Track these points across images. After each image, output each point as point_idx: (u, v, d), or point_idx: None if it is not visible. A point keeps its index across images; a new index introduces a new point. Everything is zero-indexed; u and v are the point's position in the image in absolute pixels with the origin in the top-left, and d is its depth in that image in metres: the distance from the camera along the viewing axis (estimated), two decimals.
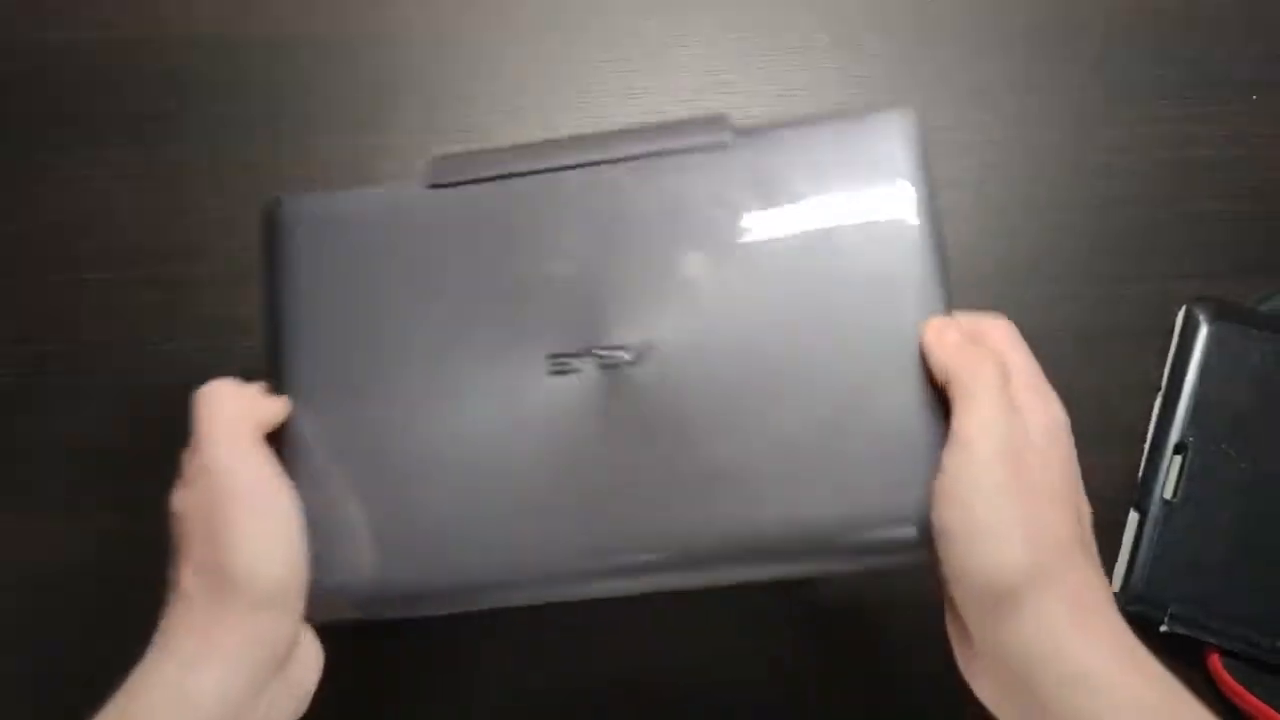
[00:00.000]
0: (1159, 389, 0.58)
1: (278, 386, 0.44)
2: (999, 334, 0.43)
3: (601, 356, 0.41)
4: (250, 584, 0.39)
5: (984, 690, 0.40)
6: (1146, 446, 0.57)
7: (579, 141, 0.44)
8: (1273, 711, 0.54)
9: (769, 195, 0.42)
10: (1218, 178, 0.60)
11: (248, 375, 0.56)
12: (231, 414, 0.42)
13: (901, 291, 0.41)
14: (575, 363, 0.41)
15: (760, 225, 0.42)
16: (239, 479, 0.40)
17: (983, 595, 0.38)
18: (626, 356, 0.41)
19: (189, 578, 0.40)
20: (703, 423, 0.40)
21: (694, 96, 0.60)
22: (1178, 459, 0.56)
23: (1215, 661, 0.55)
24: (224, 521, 0.40)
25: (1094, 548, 0.41)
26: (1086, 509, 0.42)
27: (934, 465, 0.39)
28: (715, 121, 0.43)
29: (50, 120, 0.59)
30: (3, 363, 0.57)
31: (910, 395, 0.40)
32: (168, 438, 0.56)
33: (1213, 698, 0.56)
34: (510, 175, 0.43)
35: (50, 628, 0.56)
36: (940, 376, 0.40)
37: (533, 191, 0.43)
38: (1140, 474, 0.57)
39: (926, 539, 0.39)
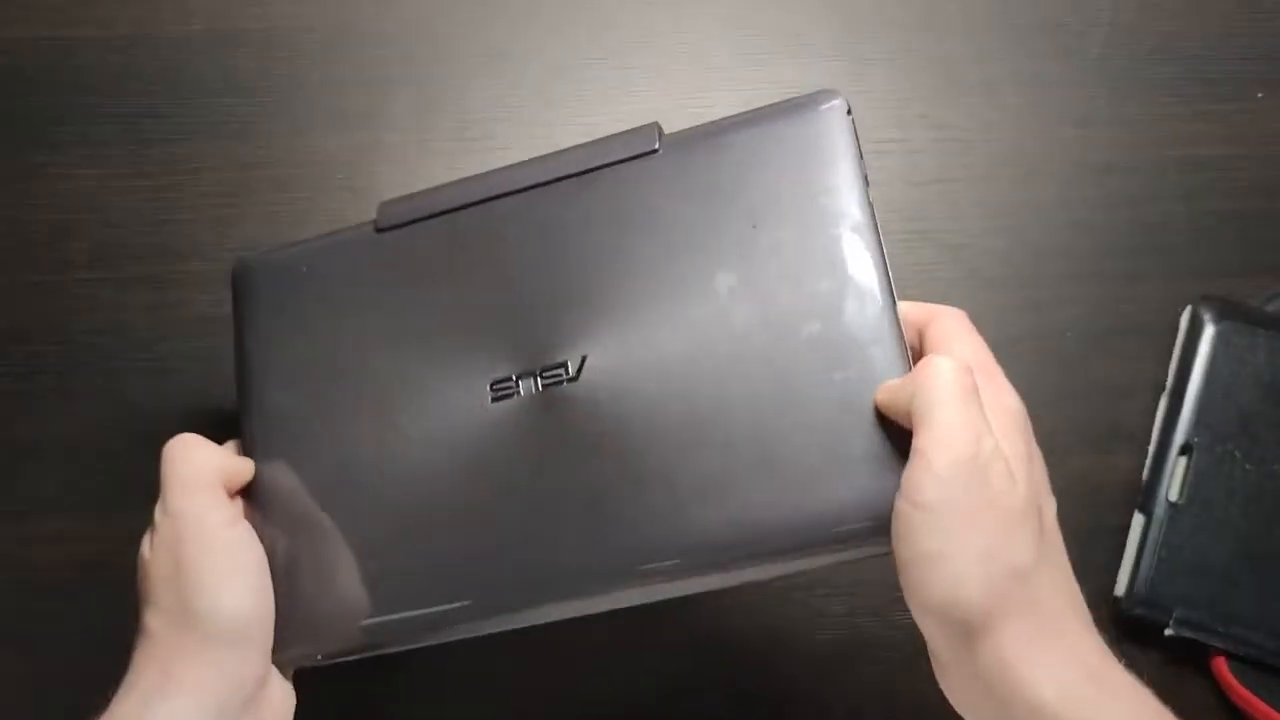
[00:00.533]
0: (1164, 389, 0.57)
1: (246, 441, 0.45)
2: (949, 322, 0.42)
3: (540, 376, 0.41)
4: (211, 618, 0.40)
5: (960, 706, 0.39)
6: (1151, 448, 0.57)
7: (514, 169, 0.44)
8: (1278, 715, 0.53)
9: (702, 199, 0.41)
10: (1223, 176, 0.60)
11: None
12: (196, 464, 0.42)
13: (842, 285, 0.40)
14: (516, 385, 0.41)
15: (694, 230, 0.41)
16: (201, 522, 0.41)
17: (938, 625, 0.37)
18: (565, 374, 0.41)
19: (154, 619, 0.41)
20: (645, 434, 0.40)
21: (693, 95, 0.60)
22: (1183, 460, 0.56)
23: (1221, 665, 0.55)
24: (186, 562, 0.41)
25: (1058, 546, 0.39)
26: (1051, 506, 0.40)
27: (893, 478, 0.37)
28: (643, 130, 0.43)
29: (42, 119, 0.59)
30: None
31: (855, 397, 0.39)
32: (163, 436, 0.56)
33: (1218, 702, 0.56)
34: (449, 210, 0.44)
35: (50, 628, 0.56)
36: (905, 420, 0.38)
37: (472, 223, 0.44)
38: (1145, 475, 0.56)
39: (878, 530, 0.38)
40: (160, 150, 0.58)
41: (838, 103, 0.42)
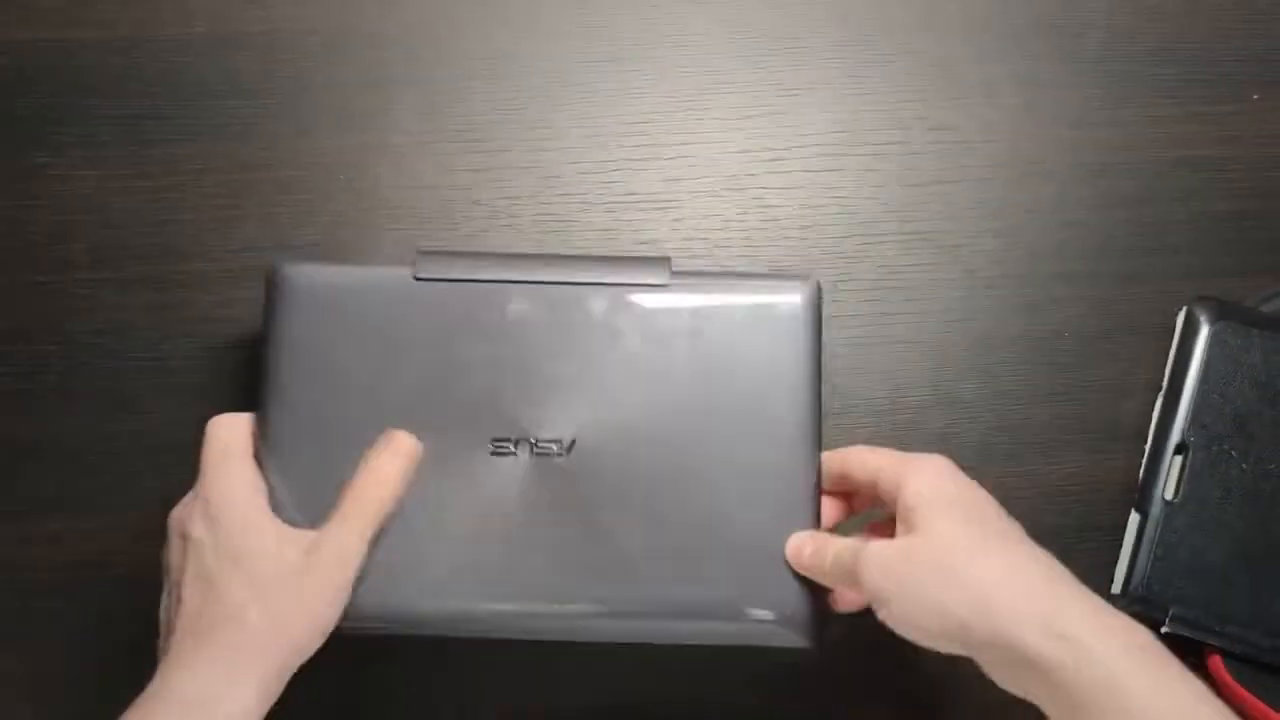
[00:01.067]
0: (1160, 389, 0.57)
1: (261, 432, 0.49)
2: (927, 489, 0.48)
3: (535, 446, 0.49)
4: (312, 647, 0.45)
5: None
6: (1147, 447, 0.57)
7: (546, 262, 0.52)
8: (1274, 713, 0.54)
9: (690, 332, 0.51)
10: (1219, 177, 0.60)
11: (247, 378, 0.56)
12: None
13: (783, 425, 0.50)
14: (514, 448, 0.50)
15: (680, 355, 0.51)
16: (333, 574, 0.46)
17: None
18: (556, 449, 0.50)
19: (253, 610, 0.44)
20: (610, 510, 0.49)
21: (693, 97, 0.60)
22: (1178, 459, 0.56)
23: (1216, 662, 0.55)
24: (311, 598, 0.45)
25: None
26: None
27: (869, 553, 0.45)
28: (656, 264, 0.52)
29: (44, 120, 0.59)
30: None
31: (784, 509, 0.49)
32: (165, 437, 0.57)
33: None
34: (484, 281, 0.51)
35: (50, 628, 0.56)
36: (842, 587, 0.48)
37: (500, 299, 0.51)
38: (1141, 474, 0.57)
39: (796, 630, 0.49)
40: (162, 151, 0.58)
41: (809, 286, 0.52)
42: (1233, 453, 0.56)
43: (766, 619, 0.49)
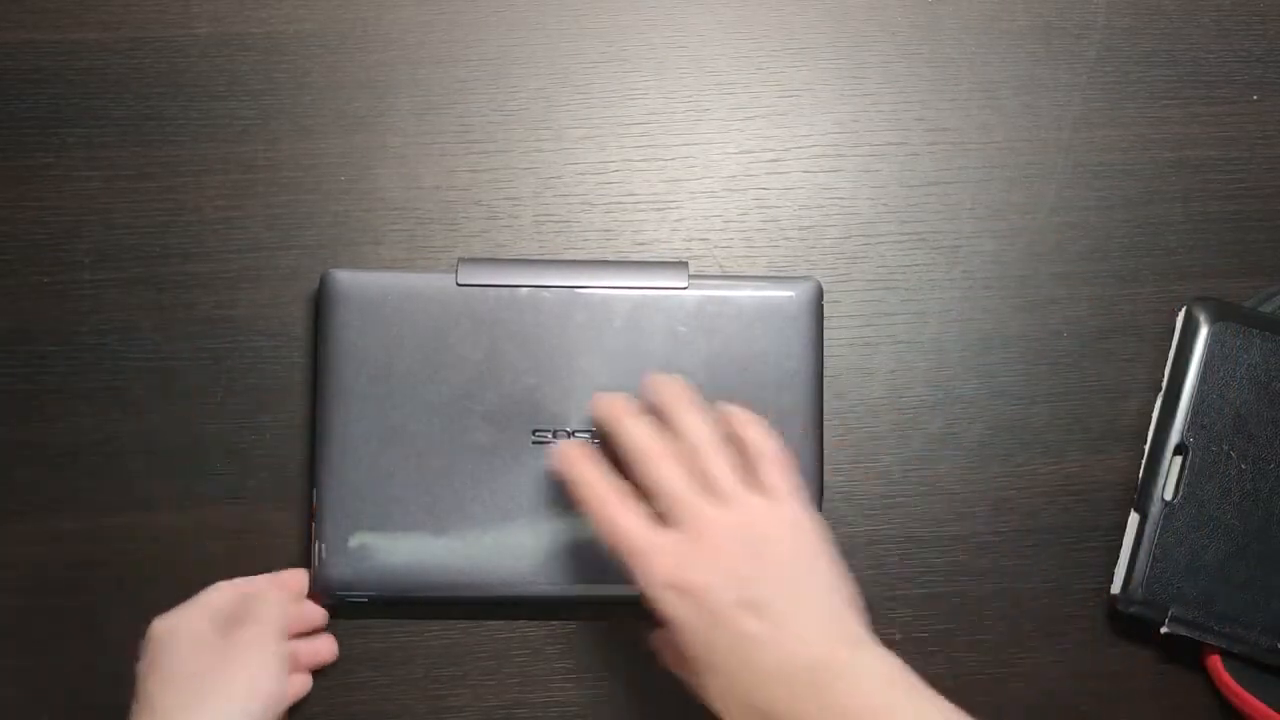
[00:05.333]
0: (1159, 389, 0.58)
1: (320, 428, 0.55)
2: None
3: (572, 436, 0.55)
4: None
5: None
6: (1147, 447, 0.57)
7: (577, 267, 0.57)
8: (1273, 713, 0.54)
9: (706, 330, 0.56)
10: (1218, 178, 0.60)
11: (249, 378, 0.57)
12: (277, 614, 0.52)
13: (788, 415, 0.55)
14: (553, 437, 0.55)
15: (697, 351, 0.56)
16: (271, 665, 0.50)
17: None
18: (590, 438, 0.54)
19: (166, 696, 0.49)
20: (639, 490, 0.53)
21: (692, 98, 0.60)
22: (1178, 460, 0.56)
23: (1216, 662, 0.55)
24: (233, 684, 0.49)
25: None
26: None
27: None
28: (675, 268, 0.57)
29: (47, 121, 0.59)
30: (1, 364, 0.58)
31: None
32: (166, 438, 0.57)
33: (1213, 700, 0.56)
34: (521, 286, 0.56)
35: (50, 628, 0.56)
36: None
37: (535, 302, 0.56)
38: (1140, 475, 0.57)
39: None
40: (164, 152, 0.59)
41: (812, 288, 0.57)
42: (1232, 453, 0.56)
43: None
